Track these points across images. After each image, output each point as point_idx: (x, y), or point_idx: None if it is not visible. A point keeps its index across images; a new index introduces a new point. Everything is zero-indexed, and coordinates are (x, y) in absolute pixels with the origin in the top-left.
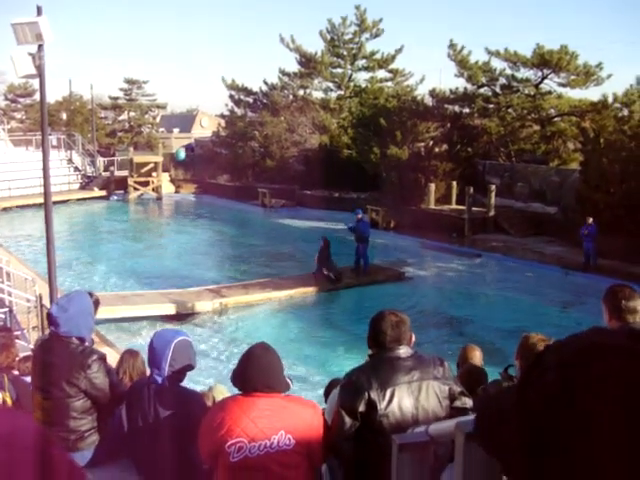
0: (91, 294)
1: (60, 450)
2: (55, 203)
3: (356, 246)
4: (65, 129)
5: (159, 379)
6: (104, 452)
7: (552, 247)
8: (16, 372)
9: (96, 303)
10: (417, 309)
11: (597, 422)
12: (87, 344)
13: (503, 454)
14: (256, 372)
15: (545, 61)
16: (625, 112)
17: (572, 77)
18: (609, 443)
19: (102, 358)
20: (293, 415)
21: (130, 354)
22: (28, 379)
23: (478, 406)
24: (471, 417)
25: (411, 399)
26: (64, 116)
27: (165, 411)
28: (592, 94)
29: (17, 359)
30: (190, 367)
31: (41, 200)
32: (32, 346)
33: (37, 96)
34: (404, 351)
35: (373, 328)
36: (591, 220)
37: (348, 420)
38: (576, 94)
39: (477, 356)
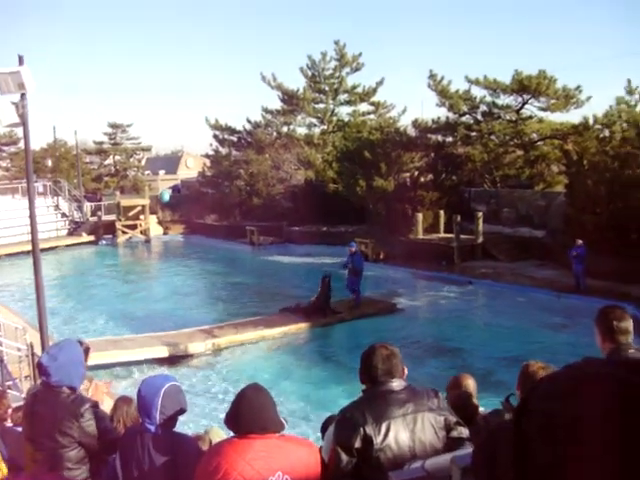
0: (81, 342)
1: None
2: (43, 250)
3: (348, 280)
4: (51, 176)
5: (152, 427)
6: None
7: (542, 271)
8: (9, 423)
9: (86, 351)
10: (411, 340)
11: (589, 454)
12: (78, 393)
13: None
14: (249, 414)
15: (524, 87)
16: (606, 133)
17: (552, 101)
18: (608, 475)
19: (94, 406)
20: (289, 455)
21: (124, 401)
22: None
23: (475, 440)
24: (467, 451)
25: (407, 432)
26: (49, 163)
27: (160, 458)
28: (573, 117)
29: (10, 410)
30: (182, 411)
31: (29, 247)
32: (24, 396)
33: (22, 144)
34: (397, 384)
35: (364, 362)
36: (580, 242)
37: (345, 457)
38: (557, 117)
39: (470, 384)
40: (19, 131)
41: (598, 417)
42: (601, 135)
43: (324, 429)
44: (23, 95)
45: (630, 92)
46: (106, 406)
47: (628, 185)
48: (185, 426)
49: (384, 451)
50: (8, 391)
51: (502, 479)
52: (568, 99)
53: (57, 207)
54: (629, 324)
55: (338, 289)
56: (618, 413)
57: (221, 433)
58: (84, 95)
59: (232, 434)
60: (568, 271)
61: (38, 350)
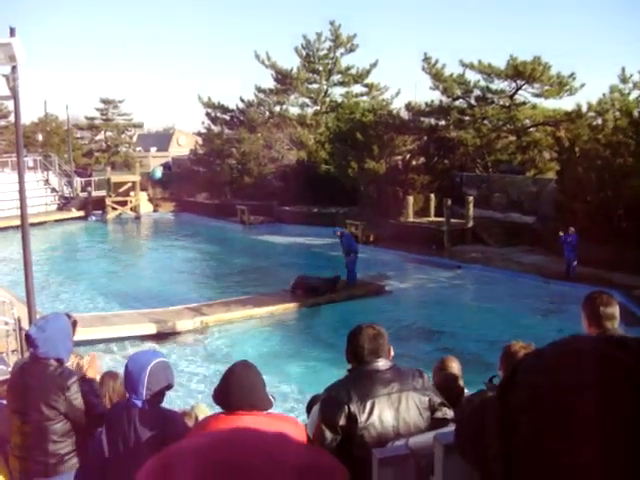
0: (69, 315)
1: None
2: (32, 225)
3: (345, 261)
4: (41, 150)
5: (138, 403)
6: (85, 476)
7: (531, 256)
8: None
9: (74, 324)
10: (398, 322)
11: (578, 427)
12: (65, 366)
13: (484, 464)
14: (238, 390)
15: (519, 72)
16: (599, 121)
17: (546, 87)
18: (592, 450)
19: (80, 379)
20: (276, 432)
21: (110, 376)
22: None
23: (458, 416)
24: (450, 429)
25: (391, 411)
26: (40, 137)
27: (146, 433)
28: (566, 104)
29: None
30: (169, 387)
31: (18, 222)
32: (11, 369)
33: (12, 118)
34: (383, 364)
35: (351, 342)
36: (573, 229)
37: (329, 434)
38: (550, 104)
39: (455, 366)
40: (9, 104)
41: (581, 389)
42: (594, 123)
43: (309, 408)
44: (14, 68)
45: (624, 81)
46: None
47: (619, 174)
48: (172, 402)
49: (368, 429)
50: None
51: (487, 452)
52: (562, 86)
53: (47, 182)
54: (615, 310)
55: (326, 268)
56: (599, 386)
57: (207, 410)
58: (76, 70)
59: (218, 410)
60: (557, 257)
61: (25, 324)
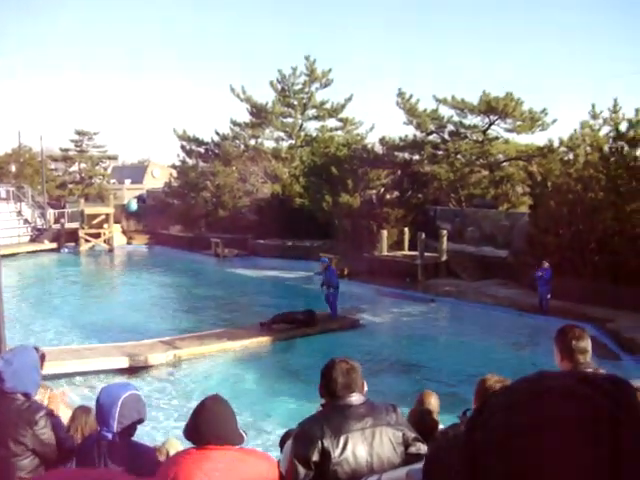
0: (37, 348)
1: None
2: (4, 256)
3: (326, 294)
4: (14, 181)
5: (109, 435)
6: None
7: (504, 290)
8: None
9: (42, 357)
10: (372, 356)
11: (548, 467)
12: (33, 400)
13: None
14: (209, 425)
15: (491, 108)
16: (570, 156)
17: (518, 123)
18: None
19: (49, 414)
20: (248, 468)
21: (82, 411)
22: None
23: (427, 455)
24: (422, 465)
25: (365, 446)
26: (13, 168)
27: (117, 467)
28: (538, 139)
29: None
30: (140, 421)
31: None
32: None
33: None
34: (356, 398)
35: (324, 376)
36: (547, 264)
37: (302, 470)
38: (523, 139)
39: (433, 401)
40: None
41: (549, 429)
42: (565, 158)
43: (282, 443)
44: None
45: (594, 116)
46: (62, 416)
47: (590, 207)
48: (143, 437)
49: (341, 465)
50: None
51: None
52: (534, 121)
53: (20, 213)
54: (587, 343)
55: (301, 305)
56: (569, 426)
57: (178, 445)
58: (51, 101)
59: (190, 446)
60: (530, 291)
61: None
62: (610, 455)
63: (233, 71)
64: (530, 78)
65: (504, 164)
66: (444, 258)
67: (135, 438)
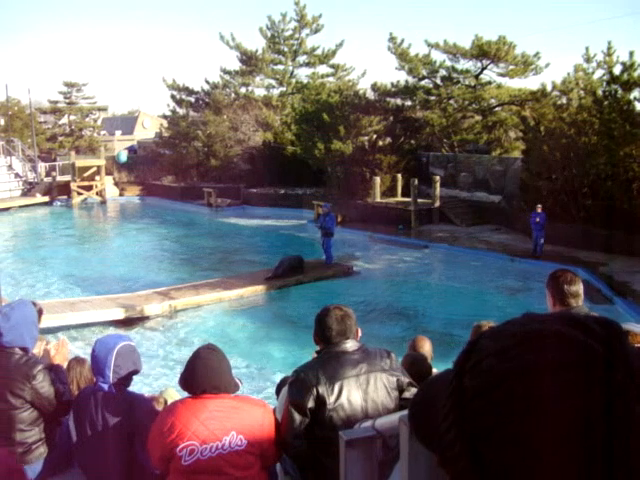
0: (34, 303)
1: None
2: None
3: (322, 240)
4: (4, 135)
5: (105, 386)
6: (53, 464)
7: (497, 235)
8: None
9: (39, 312)
10: (366, 303)
11: (537, 410)
12: (31, 354)
13: (438, 445)
14: (204, 374)
15: (484, 52)
16: (564, 100)
17: (511, 67)
18: (549, 432)
19: (47, 367)
20: (243, 415)
21: (77, 362)
22: None
23: (414, 398)
24: None
25: (360, 392)
26: (2, 122)
27: (113, 418)
28: (531, 83)
29: None
30: (135, 372)
31: None
32: None
33: None
34: (351, 345)
35: (319, 324)
36: (540, 208)
37: (298, 417)
38: (515, 83)
39: (426, 346)
40: None
41: (540, 373)
42: (558, 102)
43: (278, 390)
44: None
45: (588, 60)
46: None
47: (583, 152)
48: (140, 387)
49: (337, 411)
50: None
51: (444, 437)
52: (527, 65)
53: (10, 167)
54: (579, 287)
55: (294, 251)
56: (559, 370)
57: (176, 394)
58: (38, 53)
59: (187, 395)
60: (523, 236)
61: None
62: (602, 399)
63: (222, 19)
64: (523, 21)
65: (497, 109)
66: (437, 204)
67: (131, 389)
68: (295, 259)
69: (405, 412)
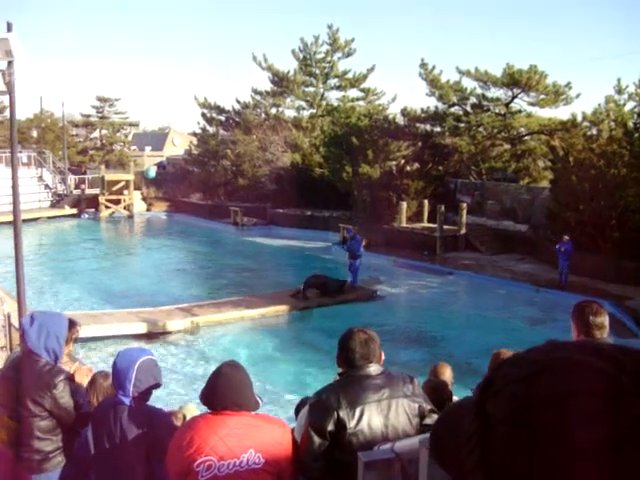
0: (70, 319)
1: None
2: (25, 221)
3: (349, 263)
4: (36, 146)
5: (125, 400)
6: (70, 474)
7: (523, 265)
8: None
9: (71, 326)
10: (389, 327)
11: (562, 440)
12: (55, 364)
13: (459, 470)
14: (225, 390)
15: (515, 80)
16: (594, 131)
17: (541, 96)
18: (575, 462)
19: (69, 378)
20: (263, 433)
21: (101, 376)
22: None
23: (435, 424)
24: None
25: (380, 417)
26: (35, 133)
27: (132, 431)
28: (561, 113)
29: None
30: (156, 386)
31: (11, 218)
32: (1, 365)
33: (7, 113)
34: (374, 369)
35: (342, 346)
36: (567, 238)
37: (317, 439)
38: (546, 113)
39: (447, 373)
40: (5, 99)
41: (561, 401)
42: (588, 133)
43: (297, 411)
44: (10, 63)
45: (619, 91)
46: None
47: (612, 184)
48: (160, 402)
49: (356, 435)
50: None
51: (464, 463)
52: (558, 95)
53: (41, 178)
54: (605, 319)
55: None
56: (581, 398)
57: (195, 410)
58: (73, 67)
59: (207, 410)
60: (548, 266)
61: (15, 321)
62: (630, 431)
63: (255, 39)
64: (555, 52)
65: (526, 138)
66: (463, 231)
67: (151, 403)
68: (337, 282)
69: (425, 435)
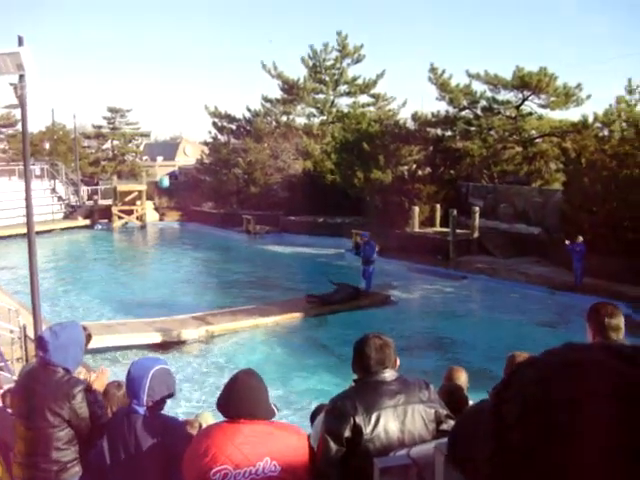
0: (85, 327)
1: None
2: (39, 233)
3: (362, 269)
4: (48, 158)
5: (139, 409)
6: None
7: (536, 267)
8: None
9: (88, 337)
10: (403, 332)
11: (578, 442)
12: (73, 375)
13: (476, 473)
14: (241, 398)
15: (525, 83)
16: (605, 132)
17: (552, 98)
18: (592, 462)
19: (87, 389)
20: (278, 441)
21: (114, 387)
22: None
23: (453, 427)
24: None
25: (397, 423)
26: (47, 146)
27: (147, 441)
28: (572, 115)
29: (0, 391)
30: (170, 395)
31: (24, 230)
32: (15, 378)
33: (19, 126)
34: (389, 375)
35: (357, 352)
36: (581, 239)
37: (334, 446)
38: (557, 115)
39: (462, 377)
40: (17, 113)
41: (578, 403)
42: (600, 134)
43: (313, 417)
44: (22, 76)
45: (630, 92)
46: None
47: (625, 185)
48: (176, 410)
49: (373, 441)
50: (0, 372)
51: (480, 465)
52: (568, 97)
53: (54, 190)
54: (620, 321)
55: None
56: (598, 401)
57: (211, 418)
58: (84, 79)
59: (222, 419)
60: (563, 268)
61: (31, 332)
62: None
63: (264, 47)
64: (565, 53)
65: (537, 140)
66: (476, 235)
67: (165, 412)
68: (352, 289)
69: (441, 440)
